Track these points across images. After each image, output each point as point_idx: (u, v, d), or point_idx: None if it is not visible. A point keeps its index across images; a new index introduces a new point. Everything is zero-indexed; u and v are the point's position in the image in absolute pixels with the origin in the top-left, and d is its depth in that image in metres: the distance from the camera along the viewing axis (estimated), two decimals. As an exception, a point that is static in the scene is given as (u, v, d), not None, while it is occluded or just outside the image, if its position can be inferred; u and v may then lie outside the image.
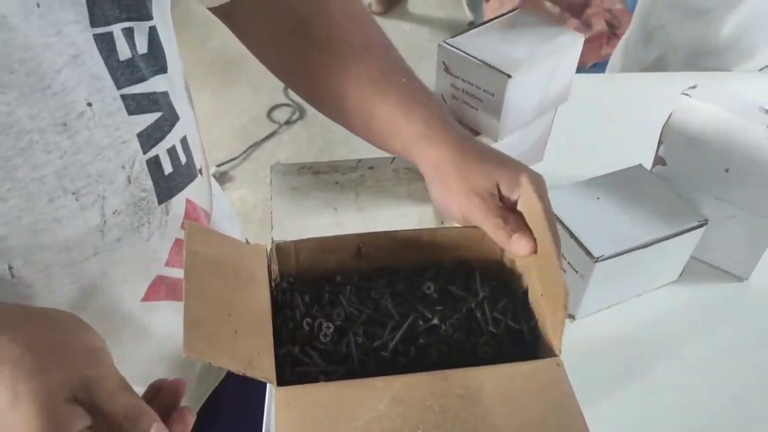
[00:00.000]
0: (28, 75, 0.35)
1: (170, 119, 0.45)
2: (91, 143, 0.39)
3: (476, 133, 0.69)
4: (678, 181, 0.63)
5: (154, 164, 0.43)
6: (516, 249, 0.43)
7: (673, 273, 0.64)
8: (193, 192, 0.49)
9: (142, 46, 0.42)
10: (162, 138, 0.44)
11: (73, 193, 0.39)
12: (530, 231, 0.43)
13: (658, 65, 1.01)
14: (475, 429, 0.36)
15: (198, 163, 0.50)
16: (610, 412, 0.54)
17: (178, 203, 0.47)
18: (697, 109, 0.58)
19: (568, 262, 0.58)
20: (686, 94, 0.59)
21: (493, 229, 0.45)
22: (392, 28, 2.88)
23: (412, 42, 2.73)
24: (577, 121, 0.80)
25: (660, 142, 0.63)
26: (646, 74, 0.99)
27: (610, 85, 0.97)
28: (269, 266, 0.45)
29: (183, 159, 0.46)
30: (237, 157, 2.15)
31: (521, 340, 0.44)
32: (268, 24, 0.56)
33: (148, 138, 0.42)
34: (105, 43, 0.39)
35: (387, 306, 0.44)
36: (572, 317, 0.61)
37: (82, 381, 0.33)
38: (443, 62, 0.67)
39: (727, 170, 0.59)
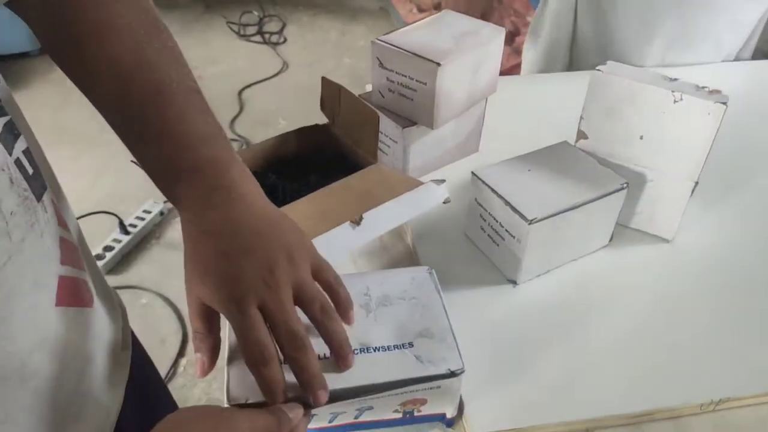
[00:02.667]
0: None
1: (13, 125, 0.46)
2: None
3: (413, 123, 0.73)
4: (600, 151, 0.68)
5: (19, 165, 0.45)
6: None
7: (604, 238, 0.68)
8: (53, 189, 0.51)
9: None
10: (16, 140, 0.45)
11: None
12: None
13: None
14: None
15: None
16: (551, 367, 0.57)
17: (48, 201, 0.48)
18: (609, 82, 0.64)
19: (506, 230, 0.62)
20: (599, 70, 0.64)
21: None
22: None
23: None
24: (508, 115, 0.85)
25: (581, 117, 0.68)
26: (566, 73, 1.06)
27: (537, 83, 1.03)
28: None
29: (35, 160, 0.48)
30: (185, 193, 2.15)
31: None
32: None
33: (6, 141, 0.44)
34: None
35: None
36: (514, 282, 0.64)
37: None
38: (377, 58, 0.72)
39: (641, 137, 0.65)
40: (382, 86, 0.73)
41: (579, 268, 0.67)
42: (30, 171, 0.46)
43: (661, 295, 0.65)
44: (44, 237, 0.46)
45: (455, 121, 0.76)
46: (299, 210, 0.60)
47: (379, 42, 0.71)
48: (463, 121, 0.78)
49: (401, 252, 0.70)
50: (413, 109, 0.72)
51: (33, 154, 0.48)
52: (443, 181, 0.62)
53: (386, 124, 0.74)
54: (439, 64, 0.67)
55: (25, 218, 0.44)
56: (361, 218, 0.55)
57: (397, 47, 0.69)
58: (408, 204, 0.60)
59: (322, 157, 0.72)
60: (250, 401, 0.45)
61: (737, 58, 1.08)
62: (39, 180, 0.47)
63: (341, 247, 0.56)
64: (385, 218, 0.58)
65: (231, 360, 0.48)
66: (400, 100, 0.72)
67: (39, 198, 0.46)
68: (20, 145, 0.46)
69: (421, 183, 0.62)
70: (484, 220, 0.65)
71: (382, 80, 0.73)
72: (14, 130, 0.45)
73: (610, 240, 0.69)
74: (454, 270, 0.66)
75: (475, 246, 0.69)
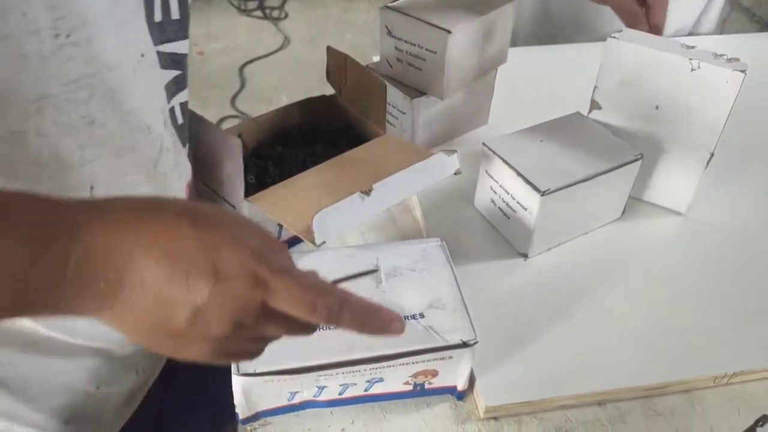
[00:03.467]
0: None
1: (182, 80, 0.51)
2: (148, 86, 0.46)
3: (422, 93, 0.71)
4: (614, 122, 0.66)
5: (172, 114, 0.51)
6: None
7: (616, 210, 0.67)
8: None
9: (174, 12, 0.48)
10: (178, 92, 0.51)
11: (148, 127, 0.47)
12: None
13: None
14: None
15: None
16: (562, 340, 0.56)
17: (187, 153, 0.55)
18: (625, 50, 0.62)
19: (517, 202, 0.61)
20: (614, 37, 0.62)
21: None
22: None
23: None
24: (517, 87, 0.84)
25: (595, 87, 0.66)
26: (577, 44, 1.04)
27: (546, 54, 1.01)
28: None
29: (186, 115, 0.54)
30: (187, 170, 2.14)
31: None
32: None
33: (169, 90, 0.49)
34: (147, 6, 0.44)
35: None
36: (525, 256, 0.63)
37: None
38: (386, 26, 0.70)
39: (657, 107, 0.63)
40: (390, 55, 0.72)
41: (591, 242, 0.66)
42: (180, 121, 0.52)
43: (674, 269, 0.64)
44: (181, 179, 0.53)
45: (465, 92, 0.75)
46: (307, 181, 0.59)
47: (388, 9, 0.69)
48: (472, 92, 0.77)
49: (410, 225, 0.69)
50: (422, 78, 0.70)
51: (186, 110, 0.53)
52: (454, 151, 0.61)
53: (394, 95, 0.72)
54: (449, 32, 0.65)
55: (174, 157, 0.51)
56: (371, 189, 0.54)
57: (406, 14, 0.67)
58: (419, 174, 0.58)
59: (328, 127, 0.71)
60: (258, 371, 0.45)
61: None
62: (185, 132, 0.53)
63: (351, 218, 0.55)
64: (396, 189, 0.57)
65: None
66: (409, 70, 0.71)
67: (184, 144, 0.53)
68: (180, 97, 0.51)
69: (432, 154, 0.61)
70: (495, 192, 0.64)
71: (390, 49, 0.71)
72: (180, 84, 0.50)
73: (623, 213, 0.68)
74: (463, 243, 0.65)
75: (485, 219, 0.68)
